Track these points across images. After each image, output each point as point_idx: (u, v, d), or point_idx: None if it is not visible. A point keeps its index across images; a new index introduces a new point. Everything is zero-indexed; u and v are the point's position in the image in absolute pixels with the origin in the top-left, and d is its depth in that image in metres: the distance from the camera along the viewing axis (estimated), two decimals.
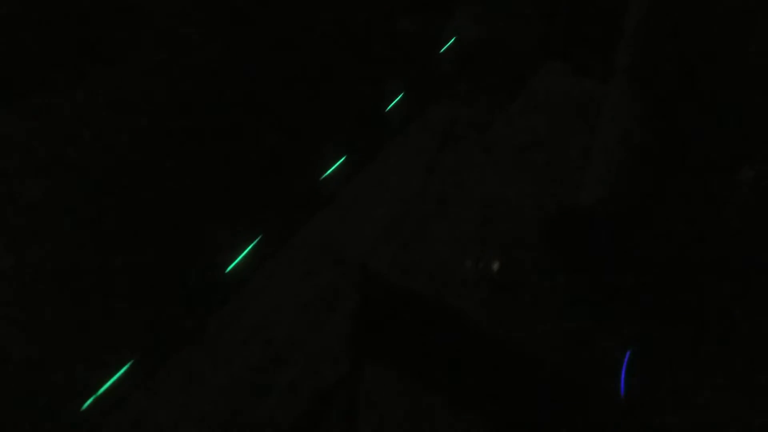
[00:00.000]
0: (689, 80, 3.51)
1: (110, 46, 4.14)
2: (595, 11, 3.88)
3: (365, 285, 2.32)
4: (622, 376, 2.94)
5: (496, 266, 3.34)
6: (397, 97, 3.93)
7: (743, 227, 3.03)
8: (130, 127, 3.73)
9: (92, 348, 2.73)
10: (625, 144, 3.68)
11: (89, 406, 2.56)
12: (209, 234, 3.21)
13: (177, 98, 3.89)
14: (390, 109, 3.92)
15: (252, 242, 3.19)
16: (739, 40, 3.33)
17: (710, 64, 3.38)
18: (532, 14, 4.03)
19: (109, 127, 3.72)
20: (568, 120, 3.93)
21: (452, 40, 4.06)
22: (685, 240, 3.27)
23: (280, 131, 3.80)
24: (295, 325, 2.69)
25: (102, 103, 3.86)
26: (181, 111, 3.81)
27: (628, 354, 2.99)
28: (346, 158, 3.66)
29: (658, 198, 3.54)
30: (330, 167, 3.63)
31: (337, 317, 2.67)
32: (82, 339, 2.77)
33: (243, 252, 3.18)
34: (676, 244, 3.29)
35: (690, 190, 3.30)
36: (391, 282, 2.33)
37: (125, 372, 2.66)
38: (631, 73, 3.75)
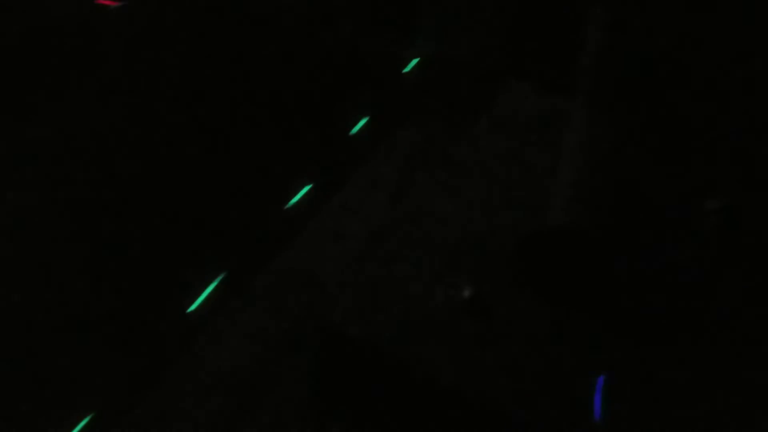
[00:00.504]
0: (649, 103, 3.48)
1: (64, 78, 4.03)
2: (557, 25, 3.84)
3: (324, 342, 2.24)
4: (597, 400, 2.91)
5: (467, 293, 3.29)
6: (362, 120, 3.87)
7: (711, 255, 3.02)
8: (87, 160, 3.62)
9: (49, 401, 2.63)
10: (591, 165, 3.65)
11: None
12: (171, 271, 3.12)
13: (139, 128, 3.79)
14: (355, 133, 3.86)
15: (215, 280, 3.10)
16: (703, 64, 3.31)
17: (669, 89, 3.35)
18: (494, 31, 3.98)
19: (60, 165, 3.62)
20: (533, 139, 3.88)
21: (416, 60, 4.01)
22: (653, 265, 3.25)
23: (242, 158, 3.72)
24: (259, 373, 2.61)
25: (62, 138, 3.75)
26: (144, 141, 3.71)
27: (601, 379, 2.95)
28: (311, 186, 3.59)
29: (626, 219, 3.51)
30: (294, 196, 3.56)
31: (302, 362, 2.60)
32: (38, 390, 2.66)
33: (205, 291, 3.09)
34: (646, 270, 3.27)
35: (658, 216, 3.27)
36: (354, 338, 2.26)
37: (84, 426, 2.56)
38: (593, 95, 3.72)
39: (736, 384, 2.69)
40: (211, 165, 3.65)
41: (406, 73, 4.01)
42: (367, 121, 3.87)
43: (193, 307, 3.04)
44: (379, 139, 3.85)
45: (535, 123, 3.95)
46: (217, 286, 3.10)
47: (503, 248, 3.50)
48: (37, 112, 3.79)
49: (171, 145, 3.67)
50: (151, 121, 3.85)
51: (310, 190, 3.56)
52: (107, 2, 4.05)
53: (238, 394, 2.56)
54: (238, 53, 4.07)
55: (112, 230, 3.28)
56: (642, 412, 2.71)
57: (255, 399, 2.53)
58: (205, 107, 3.88)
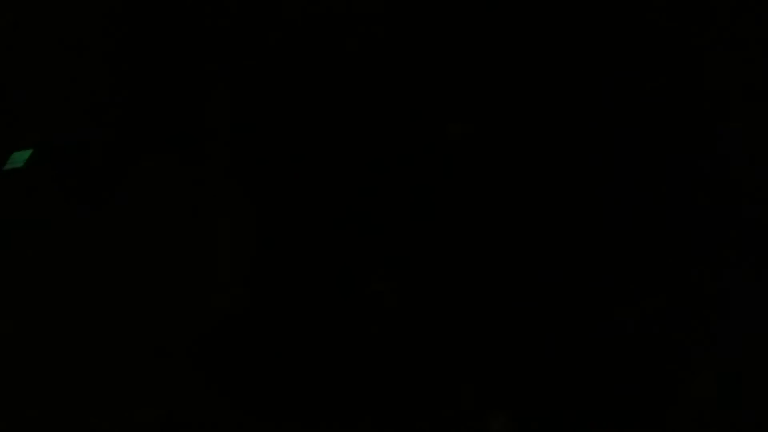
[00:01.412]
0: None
1: None
2: (180, 102, 3.64)
3: None
4: None
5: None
6: None
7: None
8: None
9: None
10: (242, 244, 3.71)
11: None
12: None
13: None
14: None
15: None
16: None
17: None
18: (112, 107, 3.60)
19: None
20: (183, 218, 3.75)
21: (27, 151, 3.47)
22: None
23: None
24: None
25: None
26: None
27: None
28: None
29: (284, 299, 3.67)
30: None
31: None
32: None
33: None
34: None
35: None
36: None
37: None
38: (234, 170, 3.72)
39: None
40: None
41: (18, 168, 3.49)
42: None
43: None
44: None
45: (181, 200, 3.79)
46: None
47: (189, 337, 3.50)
48: None
49: None
50: None
51: None
52: None
53: None
54: None
55: None
56: None
57: None
58: None
